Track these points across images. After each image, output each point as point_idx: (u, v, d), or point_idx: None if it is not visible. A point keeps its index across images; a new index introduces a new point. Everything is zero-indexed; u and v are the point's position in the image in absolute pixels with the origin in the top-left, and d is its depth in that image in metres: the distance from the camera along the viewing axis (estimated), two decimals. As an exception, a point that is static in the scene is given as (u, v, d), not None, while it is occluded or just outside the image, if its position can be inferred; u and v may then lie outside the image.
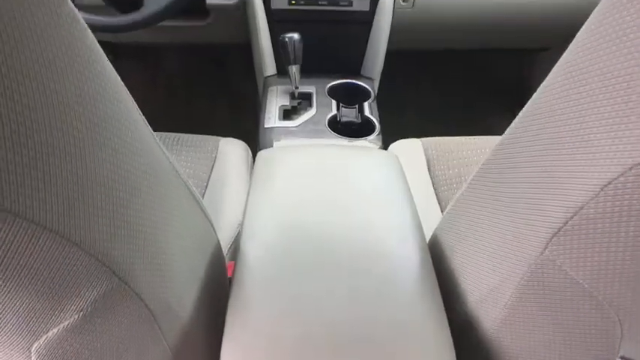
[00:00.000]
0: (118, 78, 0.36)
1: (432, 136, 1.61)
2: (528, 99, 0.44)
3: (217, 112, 1.75)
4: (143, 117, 0.41)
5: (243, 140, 1.07)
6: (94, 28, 1.00)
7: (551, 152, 0.37)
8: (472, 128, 1.73)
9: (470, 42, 1.48)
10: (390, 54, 1.26)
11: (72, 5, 0.29)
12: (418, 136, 1.09)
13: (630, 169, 0.29)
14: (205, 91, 1.81)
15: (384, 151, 0.93)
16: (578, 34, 0.37)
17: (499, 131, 0.51)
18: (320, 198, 0.61)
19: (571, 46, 0.38)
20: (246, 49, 1.32)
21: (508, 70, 1.82)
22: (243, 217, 0.61)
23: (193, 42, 1.47)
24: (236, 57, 1.67)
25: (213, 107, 1.76)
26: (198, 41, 1.44)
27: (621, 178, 0.30)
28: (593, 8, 0.35)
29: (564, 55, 0.38)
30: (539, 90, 0.42)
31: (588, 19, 0.36)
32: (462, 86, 1.83)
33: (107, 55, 0.34)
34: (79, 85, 0.28)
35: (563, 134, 0.36)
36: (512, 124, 0.47)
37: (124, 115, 0.35)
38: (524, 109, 0.44)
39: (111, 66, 0.35)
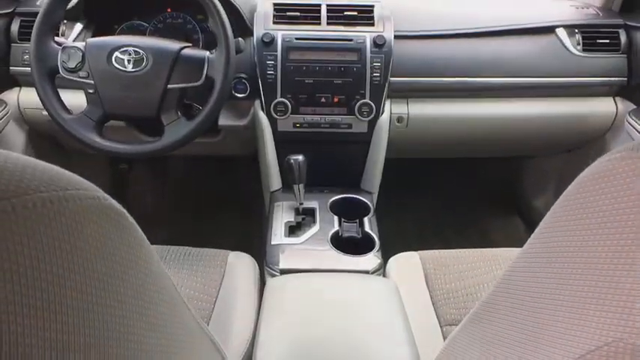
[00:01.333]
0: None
1: (428, 242, 1.67)
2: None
3: (225, 220, 1.82)
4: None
5: (250, 251, 1.13)
6: (115, 155, 1.10)
7: (531, 321, 0.42)
8: (466, 231, 1.81)
9: (460, 153, 1.59)
10: (386, 161, 1.35)
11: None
12: (416, 242, 1.15)
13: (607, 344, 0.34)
14: (213, 200, 1.89)
15: (382, 279, 0.99)
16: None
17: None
18: (327, 330, 0.66)
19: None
20: (253, 161, 1.42)
21: (497, 175, 1.93)
22: (255, 344, 0.66)
23: (204, 154, 1.58)
24: (244, 167, 1.78)
25: (221, 216, 1.83)
26: (208, 153, 1.55)
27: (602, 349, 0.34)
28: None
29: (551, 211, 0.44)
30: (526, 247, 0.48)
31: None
32: (454, 190, 1.92)
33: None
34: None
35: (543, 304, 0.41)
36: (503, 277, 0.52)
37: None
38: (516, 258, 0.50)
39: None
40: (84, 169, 1.66)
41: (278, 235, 1.12)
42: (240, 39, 1.11)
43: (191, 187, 1.95)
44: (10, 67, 1.30)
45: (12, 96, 1.33)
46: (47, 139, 1.48)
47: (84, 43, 1.05)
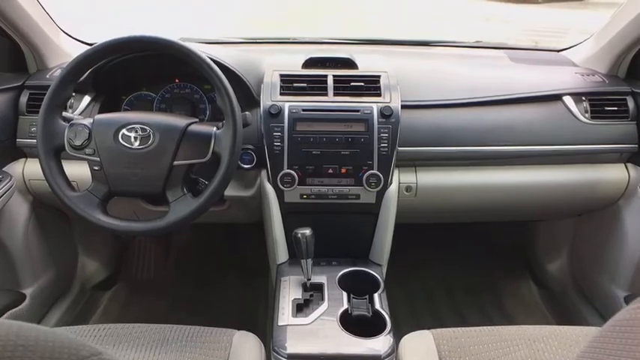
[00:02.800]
0: None
1: (440, 314, 1.62)
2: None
3: (229, 288, 1.78)
4: None
5: (255, 324, 1.09)
6: (119, 234, 1.08)
7: None
8: (480, 298, 1.75)
9: (470, 219, 1.56)
10: (395, 227, 1.32)
11: None
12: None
13: None
14: (218, 267, 1.86)
15: None
16: None
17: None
18: None
19: None
20: (259, 228, 1.39)
21: (509, 238, 1.89)
22: None
23: (209, 222, 1.55)
24: (250, 233, 1.75)
25: (226, 283, 1.79)
26: (213, 221, 1.52)
27: None
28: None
29: None
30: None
31: None
32: (464, 254, 1.88)
33: None
34: None
35: None
36: None
37: None
38: None
39: None
40: (87, 238, 1.64)
41: (285, 314, 1.08)
42: (247, 113, 1.10)
43: (195, 253, 1.92)
44: (17, 139, 1.30)
45: (17, 168, 1.33)
46: (51, 209, 1.47)
47: (91, 120, 1.05)
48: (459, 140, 1.28)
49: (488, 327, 1.05)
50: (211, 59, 1.05)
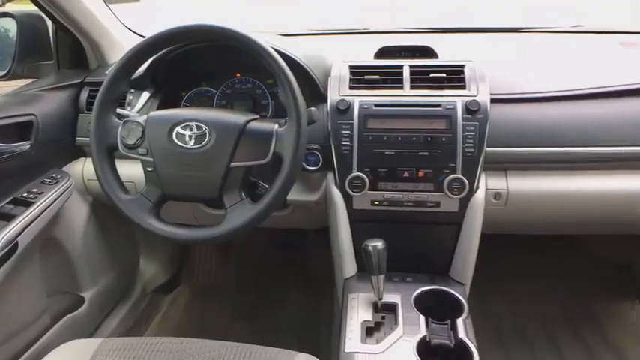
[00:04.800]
0: None
1: (533, 343, 1.41)
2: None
3: (291, 299, 1.67)
4: None
5: (318, 343, 0.97)
6: (172, 241, 1.00)
7: None
8: (577, 324, 1.52)
9: (568, 230, 1.35)
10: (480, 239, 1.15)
11: None
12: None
13: None
14: (280, 275, 1.76)
15: None
16: None
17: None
18: None
19: None
20: (326, 234, 1.26)
21: (613, 253, 1.64)
22: None
23: (271, 227, 1.45)
24: (316, 238, 1.64)
25: (287, 296, 1.69)
26: (277, 226, 1.42)
27: None
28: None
29: None
30: None
31: None
32: (558, 271, 1.64)
33: None
34: None
35: None
36: None
37: None
38: None
39: None
40: (149, 239, 1.59)
41: (354, 339, 0.94)
42: (312, 109, 0.98)
43: (259, 257, 1.83)
44: (77, 138, 1.26)
45: (77, 167, 1.29)
46: (111, 209, 1.43)
47: (145, 117, 0.97)
48: (559, 140, 1.08)
49: None
50: (275, 50, 0.94)
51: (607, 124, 1.09)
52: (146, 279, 1.67)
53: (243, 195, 0.95)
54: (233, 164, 0.93)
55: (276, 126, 0.94)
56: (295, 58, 1.10)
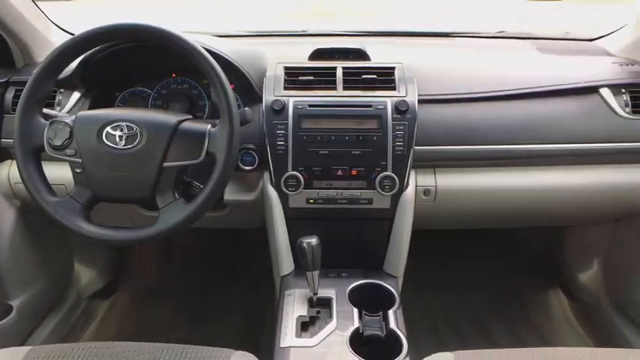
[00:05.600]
0: None
1: (462, 329, 1.48)
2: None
3: (234, 297, 1.67)
4: None
5: (259, 340, 0.98)
6: (103, 243, 0.98)
7: None
8: (506, 310, 1.61)
9: (495, 224, 1.43)
10: (412, 234, 1.20)
11: None
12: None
13: None
14: (223, 274, 1.75)
15: None
16: None
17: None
18: None
19: None
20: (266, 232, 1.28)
21: (537, 244, 1.74)
22: None
23: (210, 227, 1.44)
24: (257, 237, 1.64)
25: (230, 296, 1.69)
26: (213, 227, 1.42)
27: None
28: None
29: None
30: None
31: None
32: (488, 262, 1.74)
33: None
34: None
35: None
36: None
37: None
38: None
39: None
40: (84, 244, 1.53)
41: (289, 334, 0.96)
42: (246, 109, 0.99)
43: (201, 258, 1.81)
44: (2, 140, 1.21)
45: (2, 170, 1.24)
46: (41, 214, 1.38)
47: (73, 118, 0.95)
48: (483, 138, 1.14)
49: (517, 349, 0.92)
50: (206, 49, 0.94)
51: (525, 123, 1.17)
52: (82, 285, 1.61)
53: (176, 195, 0.95)
54: (166, 164, 0.93)
55: (209, 126, 0.94)
56: (229, 58, 1.10)
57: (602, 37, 1.45)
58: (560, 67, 1.29)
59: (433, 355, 0.93)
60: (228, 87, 0.92)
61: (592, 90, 1.19)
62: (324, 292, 1.06)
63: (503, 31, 1.63)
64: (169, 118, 0.95)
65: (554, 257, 1.71)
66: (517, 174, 1.20)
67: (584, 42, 1.49)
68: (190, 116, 1.00)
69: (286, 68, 1.16)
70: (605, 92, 1.18)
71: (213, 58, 0.93)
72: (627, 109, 1.17)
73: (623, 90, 1.18)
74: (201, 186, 0.98)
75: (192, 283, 1.76)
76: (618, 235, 1.45)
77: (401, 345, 0.94)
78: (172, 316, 1.63)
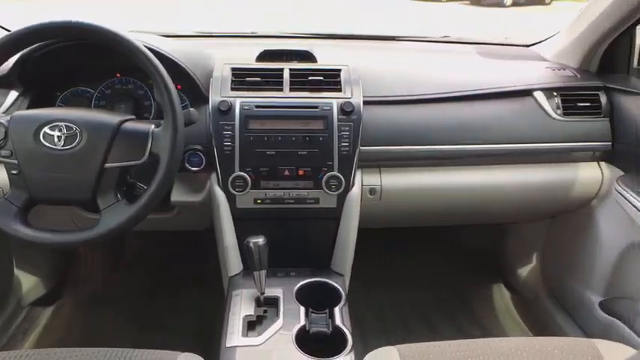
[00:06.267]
0: None
1: (409, 325, 1.52)
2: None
3: (183, 300, 1.65)
4: None
5: (209, 342, 0.97)
6: (43, 246, 0.95)
7: None
8: (451, 306, 1.67)
9: (439, 222, 1.48)
10: (358, 232, 1.23)
11: None
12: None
13: None
14: (172, 276, 1.73)
15: None
16: None
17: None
18: None
19: None
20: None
21: (480, 241, 1.81)
22: None
23: (158, 229, 1.42)
24: (207, 239, 1.64)
25: (180, 299, 1.66)
26: (162, 229, 1.40)
27: None
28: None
29: None
30: None
31: None
32: (434, 260, 1.79)
33: None
34: None
35: None
36: None
37: None
38: None
39: None
40: (24, 249, 1.47)
41: (235, 333, 0.96)
42: (191, 109, 0.99)
43: (149, 262, 1.78)
44: None
45: None
46: None
47: (8, 118, 0.92)
48: (425, 139, 1.19)
49: (459, 341, 0.96)
50: (150, 49, 0.93)
51: (468, 124, 1.21)
52: (23, 291, 1.55)
53: (119, 196, 0.93)
54: (107, 165, 0.91)
55: (153, 126, 0.94)
56: (174, 58, 1.09)
57: (538, 43, 1.53)
58: (499, 71, 1.35)
59: (377, 350, 0.95)
60: (172, 87, 0.92)
61: (527, 93, 1.26)
62: (272, 292, 1.07)
63: (447, 36, 1.69)
64: (111, 118, 0.93)
65: (497, 254, 1.78)
66: (458, 173, 1.25)
67: (522, 47, 1.56)
68: (133, 116, 0.99)
69: (233, 69, 1.17)
70: (539, 95, 1.25)
71: (158, 57, 0.93)
72: (559, 111, 1.24)
73: (555, 93, 1.25)
74: (145, 187, 0.97)
75: (142, 287, 1.73)
76: (553, 232, 1.53)
77: (346, 340, 0.96)
78: (120, 322, 1.59)
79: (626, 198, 1.16)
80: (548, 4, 11.87)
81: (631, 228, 1.17)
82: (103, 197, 0.92)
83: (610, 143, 1.25)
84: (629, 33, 1.25)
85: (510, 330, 1.59)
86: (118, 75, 1.21)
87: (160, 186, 0.91)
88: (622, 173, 1.24)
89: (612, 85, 1.26)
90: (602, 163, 1.29)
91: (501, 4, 12.13)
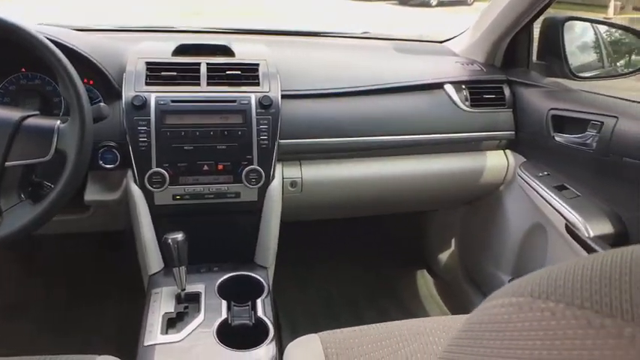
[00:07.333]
0: None
1: (336, 314, 1.56)
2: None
3: (104, 305, 1.59)
4: None
5: (130, 346, 0.95)
6: None
7: None
8: (377, 293, 1.73)
9: (361, 212, 1.52)
10: (282, 226, 1.24)
11: None
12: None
13: None
14: (92, 281, 1.66)
15: None
16: None
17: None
18: None
19: None
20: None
21: (404, 229, 1.89)
22: None
23: (74, 231, 1.36)
24: (128, 240, 1.59)
25: (101, 302, 1.60)
26: (78, 231, 1.34)
27: None
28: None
29: None
30: None
31: None
32: (360, 249, 1.84)
33: None
34: None
35: None
36: None
37: None
38: None
39: None
40: None
41: (153, 332, 0.95)
42: (102, 104, 0.96)
43: (68, 266, 1.69)
44: None
45: None
46: None
47: None
48: (343, 131, 1.22)
49: (379, 324, 1.00)
50: (55, 42, 0.90)
51: (381, 116, 1.26)
52: None
53: (22, 196, 0.89)
54: (8, 163, 0.87)
55: (59, 122, 0.90)
56: (83, 52, 1.06)
57: (450, 39, 1.61)
58: (413, 65, 1.41)
59: (299, 338, 0.97)
60: (78, 81, 0.89)
61: (438, 86, 1.32)
62: (193, 288, 1.06)
63: (367, 32, 1.74)
64: (11, 114, 0.89)
65: (420, 241, 1.86)
66: (376, 164, 1.29)
67: (435, 44, 1.64)
68: (37, 112, 0.94)
69: (148, 63, 1.14)
70: (449, 88, 1.32)
71: (64, 51, 0.89)
72: (467, 103, 1.31)
73: (464, 86, 1.33)
74: (53, 186, 0.93)
75: (60, 292, 1.65)
76: (468, 218, 1.63)
77: (268, 331, 0.97)
78: (36, 330, 1.51)
79: (527, 182, 1.26)
80: (471, 4, 12.47)
81: (533, 210, 1.27)
82: (5, 198, 0.88)
83: (513, 132, 1.34)
84: (528, 30, 1.36)
85: (432, 312, 1.67)
86: (24, 70, 1.15)
87: (68, 184, 0.88)
88: (524, 160, 1.34)
89: (514, 79, 1.36)
90: (508, 151, 1.38)
91: (427, 4, 12.64)
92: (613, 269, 0.24)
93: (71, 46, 1.03)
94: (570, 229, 1.10)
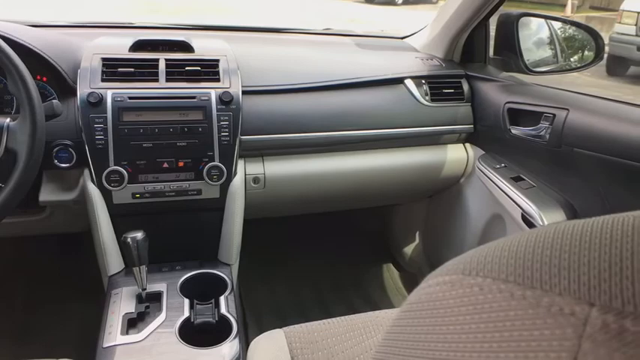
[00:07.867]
0: None
1: (305, 309, 1.56)
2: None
3: (66, 308, 1.54)
4: None
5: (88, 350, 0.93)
6: None
7: None
8: (344, 286, 1.74)
9: (325, 208, 1.53)
10: (247, 223, 1.23)
11: None
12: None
13: None
14: (52, 287, 1.61)
15: None
16: None
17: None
18: None
19: None
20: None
21: (370, 223, 1.91)
22: None
23: (31, 234, 1.32)
24: (87, 242, 1.55)
25: (62, 305, 1.56)
26: (35, 233, 1.30)
27: None
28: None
29: None
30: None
31: None
32: (326, 244, 1.85)
33: None
34: None
35: None
36: None
37: None
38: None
39: None
40: None
41: (113, 333, 0.93)
42: (55, 101, 0.94)
43: (25, 269, 1.64)
44: None
45: None
46: None
47: None
48: (304, 126, 1.22)
49: (342, 317, 1.01)
50: (2, 37, 0.87)
51: (345, 111, 1.27)
52: None
53: None
54: None
55: (8, 119, 0.87)
56: (34, 47, 1.02)
57: (410, 35, 1.63)
58: (375, 60, 1.43)
59: (264, 334, 0.97)
60: (27, 77, 0.86)
61: (398, 81, 1.34)
62: (155, 287, 1.05)
63: (328, 29, 1.75)
64: None
65: (386, 234, 1.89)
66: (338, 159, 1.30)
67: (396, 39, 1.66)
68: None
69: (104, 59, 1.11)
70: (409, 83, 1.34)
71: (14, 47, 0.86)
72: (427, 98, 1.34)
73: (424, 81, 1.35)
74: (3, 186, 0.90)
75: (18, 297, 1.59)
76: (431, 210, 1.66)
77: (231, 328, 0.97)
78: None
79: (485, 174, 1.29)
80: (435, 2, 12.69)
81: (492, 201, 1.31)
82: None
83: (472, 126, 1.37)
84: (484, 26, 1.39)
85: (398, 304, 1.70)
86: None
87: (19, 184, 0.85)
88: (483, 152, 1.37)
89: (472, 73, 1.39)
90: (467, 144, 1.41)
91: (393, 3, 12.78)
92: (536, 244, 0.25)
93: (21, 42, 1.00)
94: (526, 219, 1.13)
